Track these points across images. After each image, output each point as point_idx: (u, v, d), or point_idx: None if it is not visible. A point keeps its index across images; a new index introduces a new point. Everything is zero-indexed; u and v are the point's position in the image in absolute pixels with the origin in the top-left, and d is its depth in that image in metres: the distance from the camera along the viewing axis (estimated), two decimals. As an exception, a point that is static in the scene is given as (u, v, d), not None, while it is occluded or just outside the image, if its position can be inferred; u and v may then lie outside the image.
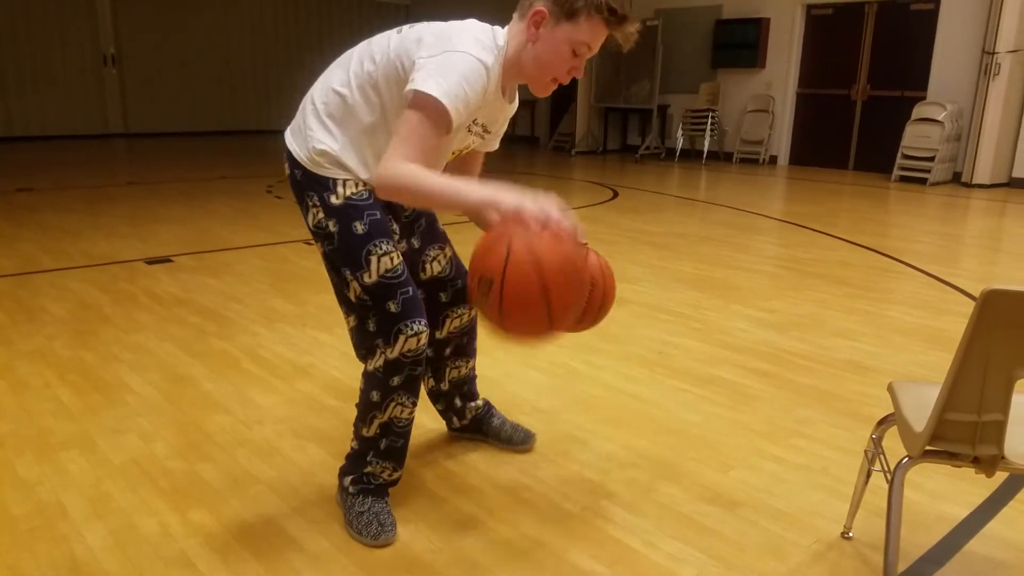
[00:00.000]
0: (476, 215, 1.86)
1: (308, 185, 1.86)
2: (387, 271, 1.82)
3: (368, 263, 1.82)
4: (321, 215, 1.85)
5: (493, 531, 1.96)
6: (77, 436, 2.43)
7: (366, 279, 1.82)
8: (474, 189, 1.67)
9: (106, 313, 3.68)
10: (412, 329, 1.82)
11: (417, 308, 1.85)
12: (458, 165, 2.08)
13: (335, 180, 1.84)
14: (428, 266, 2.14)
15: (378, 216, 1.85)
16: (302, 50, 14.98)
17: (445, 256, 2.16)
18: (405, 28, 1.85)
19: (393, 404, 1.89)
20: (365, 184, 1.86)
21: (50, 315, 3.63)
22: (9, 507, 2.02)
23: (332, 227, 1.84)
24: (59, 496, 2.08)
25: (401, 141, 1.65)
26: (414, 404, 1.93)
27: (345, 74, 1.84)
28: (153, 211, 6.47)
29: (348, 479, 2.00)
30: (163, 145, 12.23)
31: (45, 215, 6.16)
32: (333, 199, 1.83)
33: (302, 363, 3.10)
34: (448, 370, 2.30)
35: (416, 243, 2.12)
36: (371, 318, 1.85)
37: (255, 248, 5.14)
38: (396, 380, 1.86)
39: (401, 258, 1.86)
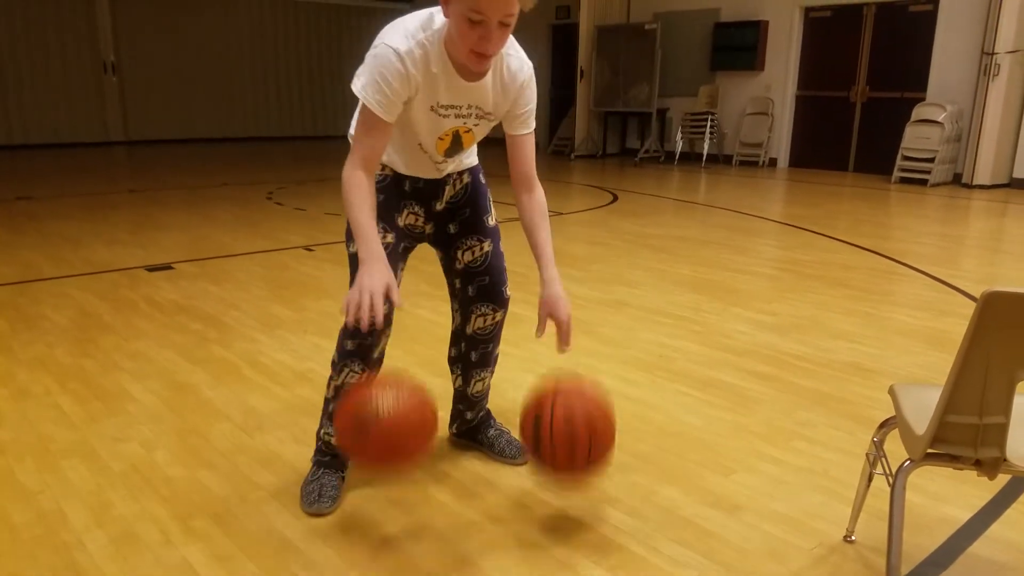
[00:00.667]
0: None
1: None
2: None
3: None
4: None
5: (494, 536, 1.96)
6: (78, 444, 2.43)
7: (350, 249, 2.01)
8: (361, 235, 1.79)
9: (107, 321, 3.68)
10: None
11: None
12: (510, 155, 2.07)
13: None
14: (461, 254, 2.17)
15: (380, 198, 2.01)
16: (301, 57, 15.01)
17: (482, 249, 2.17)
18: None
19: (346, 370, 2.03)
20: (384, 169, 2.05)
21: (51, 323, 3.63)
22: (10, 515, 2.02)
23: None
24: (60, 504, 2.08)
25: (353, 141, 1.87)
26: (362, 372, 2.02)
27: None
28: (154, 218, 6.47)
29: (315, 448, 2.19)
30: (163, 152, 12.24)
31: (46, 223, 6.16)
32: None
33: (302, 369, 3.09)
34: (474, 381, 2.31)
35: (453, 229, 2.17)
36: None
37: (255, 255, 5.14)
38: (350, 344, 2.00)
39: (387, 239, 2.01)
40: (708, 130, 11.08)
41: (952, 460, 1.55)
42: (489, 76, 1.90)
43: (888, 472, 1.67)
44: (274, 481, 2.21)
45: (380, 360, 2.09)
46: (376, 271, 1.75)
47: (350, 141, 1.95)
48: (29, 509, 2.05)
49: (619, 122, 12.73)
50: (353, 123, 1.94)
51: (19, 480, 2.20)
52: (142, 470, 2.27)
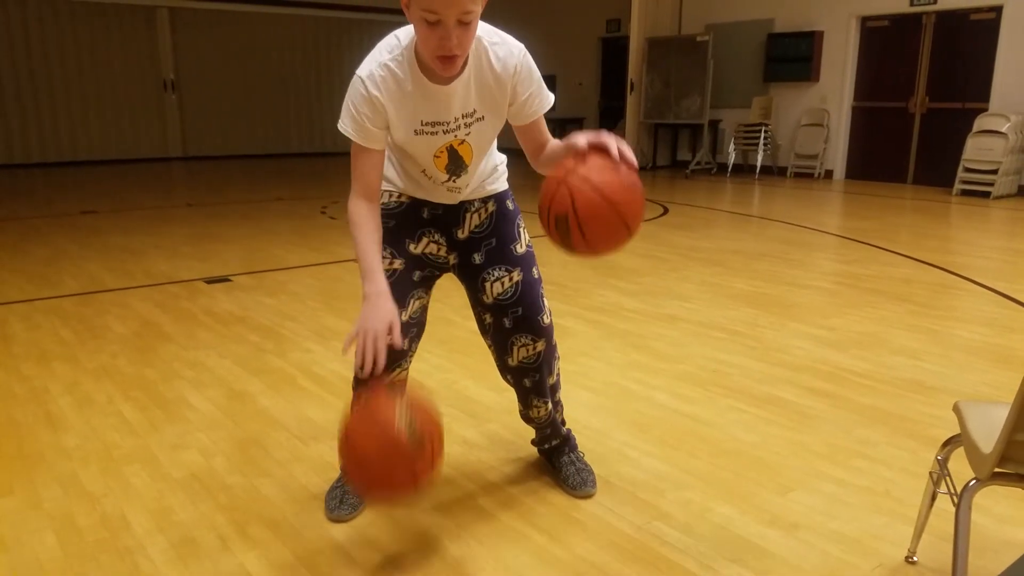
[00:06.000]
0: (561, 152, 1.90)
1: None
2: None
3: None
4: None
5: (544, 549, 1.95)
6: (140, 450, 2.49)
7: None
8: (365, 269, 1.81)
9: (167, 331, 3.78)
10: None
11: None
12: (522, 139, 2.02)
13: (384, 191, 2.05)
14: (488, 286, 2.07)
15: (390, 225, 2.01)
16: (351, 73, 15.26)
17: (511, 280, 2.08)
18: None
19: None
20: (400, 195, 2.06)
21: (114, 333, 3.75)
22: (76, 518, 2.08)
23: None
24: (123, 509, 2.13)
25: (352, 177, 1.88)
26: None
27: None
28: (211, 232, 6.63)
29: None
30: (220, 168, 12.55)
31: (109, 236, 6.36)
32: None
33: (356, 380, 3.13)
34: (533, 408, 2.23)
35: (479, 259, 2.09)
36: None
37: (309, 267, 5.23)
38: (361, 373, 1.94)
39: (394, 266, 2.00)
40: (762, 142, 10.95)
41: (1020, 480, 1.50)
42: (470, 73, 1.83)
43: (953, 492, 1.62)
44: (328, 490, 2.24)
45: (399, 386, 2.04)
46: (379, 308, 1.75)
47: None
48: (93, 513, 2.11)
49: (670, 134, 12.66)
50: None
51: (84, 485, 2.27)
52: (201, 477, 2.32)
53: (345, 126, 1.84)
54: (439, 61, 1.71)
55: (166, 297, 4.43)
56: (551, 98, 1.98)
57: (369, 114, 1.81)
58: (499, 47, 1.85)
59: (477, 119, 1.90)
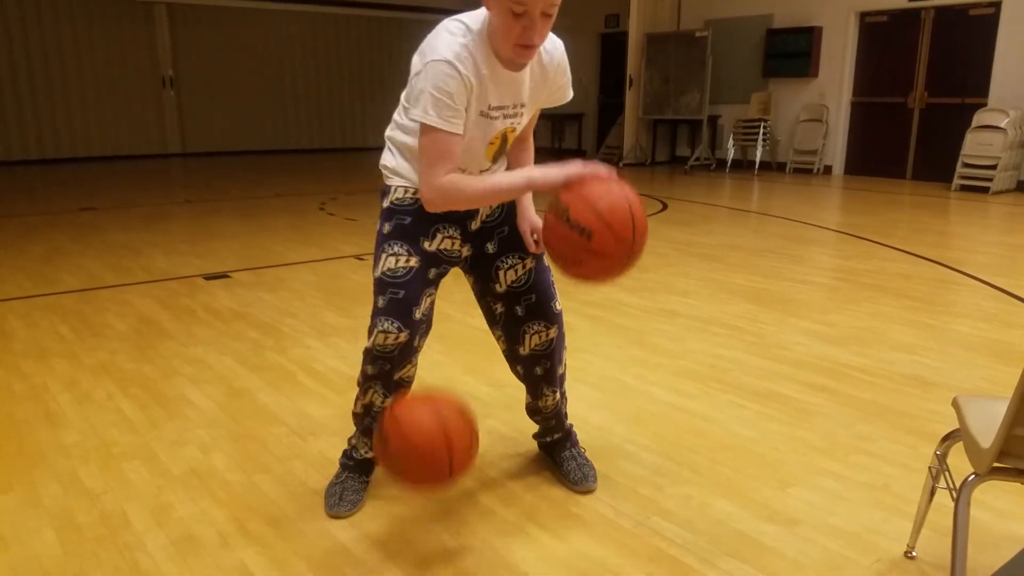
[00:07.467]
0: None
1: (382, 191, 2.10)
2: (388, 270, 1.98)
3: (379, 259, 2.01)
4: (380, 215, 2.08)
5: (544, 545, 1.95)
6: (139, 447, 2.49)
7: (375, 272, 2.03)
8: (508, 178, 1.83)
9: (166, 327, 3.78)
10: (382, 326, 1.95)
11: (398, 310, 1.95)
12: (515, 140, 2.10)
13: (391, 187, 2.05)
14: (502, 274, 2.10)
15: (406, 222, 2.01)
16: (354, 70, 15.24)
17: (524, 267, 2.11)
18: None
19: (371, 391, 2.08)
20: (416, 191, 2.01)
21: (113, 330, 3.74)
22: (75, 515, 2.08)
23: (378, 225, 2.07)
24: (122, 505, 2.13)
25: (426, 167, 1.80)
26: (386, 396, 2.06)
27: (401, 100, 2.00)
28: (210, 228, 6.63)
29: (342, 451, 2.26)
30: (219, 164, 12.54)
31: (107, 233, 6.36)
32: (384, 203, 2.06)
33: (355, 375, 3.12)
34: (543, 395, 2.24)
35: (491, 248, 2.11)
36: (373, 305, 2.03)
37: (309, 264, 5.23)
38: (370, 369, 2.03)
39: (410, 263, 1.98)
40: (761, 137, 10.94)
41: (1019, 475, 1.50)
42: (533, 62, 1.90)
43: (952, 487, 1.62)
44: (328, 487, 2.24)
45: (405, 384, 2.08)
46: (552, 167, 1.78)
47: (387, 141, 2.02)
48: (93, 510, 2.11)
49: (669, 130, 12.64)
50: (395, 121, 2.00)
51: (83, 482, 2.27)
52: (200, 473, 2.32)
53: (431, 116, 1.75)
54: (519, 50, 1.76)
55: (165, 294, 4.42)
56: (571, 92, 2.08)
57: (461, 97, 1.77)
58: (547, 40, 1.91)
59: (526, 108, 1.98)
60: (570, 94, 2.06)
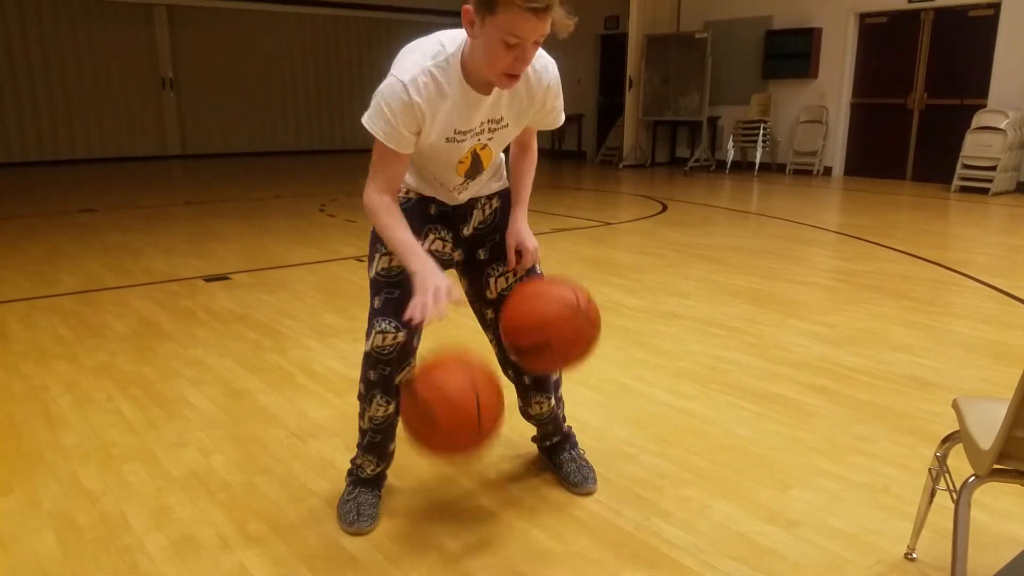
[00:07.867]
0: None
1: None
2: (383, 269, 1.98)
3: (373, 259, 2.01)
4: None
5: (544, 547, 1.95)
6: (139, 449, 2.49)
7: (370, 272, 2.02)
8: (405, 251, 1.83)
9: (166, 329, 3.78)
10: (380, 326, 1.93)
11: (395, 310, 1.92)
12: (515, 147, 2.11)
13: None
14: (492, 282, 2.10)
15: None
16: (354, 72, 15.25)
17: (515, 275, 2.11)
18: None
19: (374, 401, 2.01)
20: (408, 191, 2.04)
21: (113, 331, 3.74)
22: (75, 517, 2.08)
23: (372, 226, 2.03)
24: (122, 507, 2.13)
25: (371, 172, 1.87)
26: (389, 404, 2.01)
27: None
28: (210, 229, 6.63)
29: (348, 467, 2.17)
30: (219, 165, 12.54)
31: (107, 234, 6.35)
32: None
33: (354, 377, 3.12)
34: (533, 403, 2.23)
35: (483, 255, 2.11)
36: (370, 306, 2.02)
37: (309, 265, 5.23)
38: (372, 375, 1.98)
39: None
40: (760, 139, 10.94)
41: (1019, 476, 1.50)
42: None
43: (952, 488, 1.62)
44: (328, 488, 2.24)
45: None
46: (434, 272, 1.78)
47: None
48: (92, 511, 2.11)
49: (668, 131, 12.64)
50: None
51: (83, 483, 2.27)
52: (200, 475, 2.32)
53: (374, 125, 1.79)
54: (505, 78, 1.74)
55: (165, 295, 4.42)
56: (563, 117, 2.07)
57: (405, 119, 1.78)
58: (537, 60, 1.87)
59: (502, 126, 1.94)
60: (561, 119, 2.05)
